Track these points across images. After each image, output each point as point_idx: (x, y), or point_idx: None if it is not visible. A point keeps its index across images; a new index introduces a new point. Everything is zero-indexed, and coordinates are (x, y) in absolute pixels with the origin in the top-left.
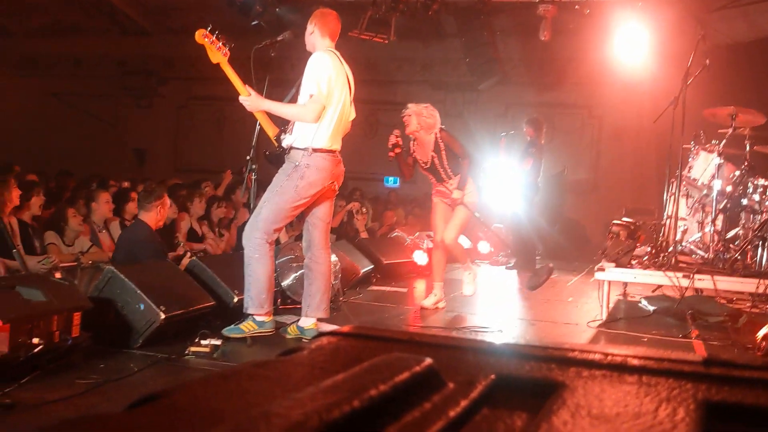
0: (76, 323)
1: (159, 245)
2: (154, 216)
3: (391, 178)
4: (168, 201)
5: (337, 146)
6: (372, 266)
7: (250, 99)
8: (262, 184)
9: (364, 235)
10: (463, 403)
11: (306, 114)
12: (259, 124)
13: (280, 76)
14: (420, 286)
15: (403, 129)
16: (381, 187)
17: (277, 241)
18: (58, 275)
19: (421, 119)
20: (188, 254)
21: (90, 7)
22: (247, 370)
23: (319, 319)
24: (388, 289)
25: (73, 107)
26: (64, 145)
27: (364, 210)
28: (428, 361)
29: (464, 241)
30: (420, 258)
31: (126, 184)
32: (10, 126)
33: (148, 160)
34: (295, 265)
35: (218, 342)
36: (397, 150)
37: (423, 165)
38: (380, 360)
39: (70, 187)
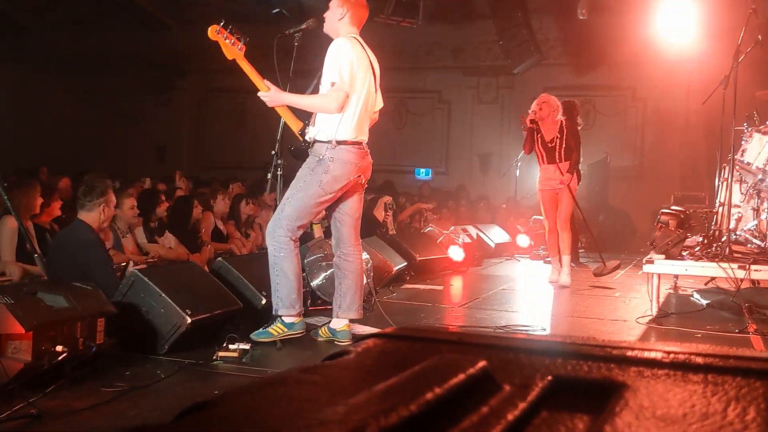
0: (100, 329)
1: (105, 251)
2: (97, 216)
3: (422, 170)
4: (113, 199)
5: (363, 137)
6: (405, 263)
7: (269, 94)
8: (289, 181)
9: (393, 232)
10: (522, 406)
11: (328, 103)
12: (283, 119)
13: (303, 66)
14: (456, 283)
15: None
16: (412, 180)
17: (304, 239)
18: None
19: (553, 105)
20: (131, 263)
21: (107, 1)
22: (294, 376)
23: (352, 321)
24: (422, 287)
25: (96, 105)
26: (87, 143)
27: (394, 205)
28: (482, 362)
29: (502, 235)
30: (455, 254)
31: (147, 184)
32: (32, 125)
33: (168, 157)
34: (324, 263)
35: (247, 346)
36: (533, 126)
37: (548, 143)
38: (433, 362)
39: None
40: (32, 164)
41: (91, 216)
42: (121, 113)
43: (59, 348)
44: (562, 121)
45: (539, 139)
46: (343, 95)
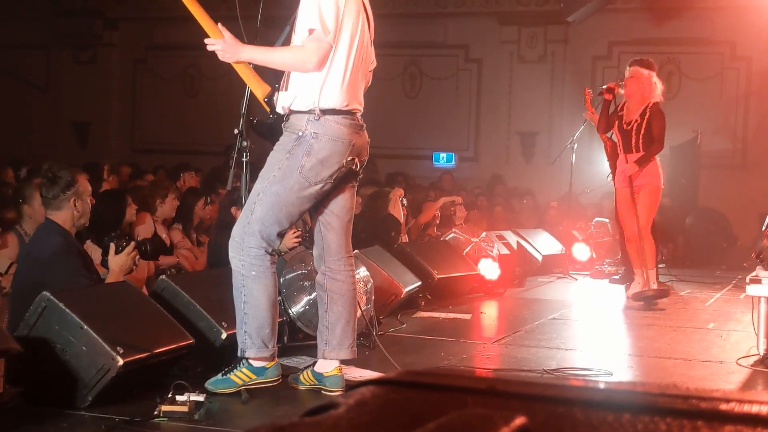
0: (0, 374)
1: (85, 256)
2: (70, 213)
3: (442, 155)
4: (88, 187)
5: (357, 105)
6: (419, 283)
7: (223, 43)
8: (258, 169)
9: (405, 238)
10: None
11: (304, 58)
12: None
13: (276, 12)
14: (489, 310)
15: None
16: (427, 168)
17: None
18: None
19: (643, 84)
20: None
21: None
22: None
23: (343, 362)
24: (443, 315)
25: None
26: None
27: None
28: (521, 419)
29: (553, 244)
30: (488, 270)
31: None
32: None
33: (92, 138)
34: (308, 283)
35: (200, 398)
36: (609, 97)
37: (625, 125)
38: (453, 419)
39: None
40: None
41: (62, 214)
42: (21, 77)
43: None
44: (648, 104)
45: (617, 120)
46: (325, 47)
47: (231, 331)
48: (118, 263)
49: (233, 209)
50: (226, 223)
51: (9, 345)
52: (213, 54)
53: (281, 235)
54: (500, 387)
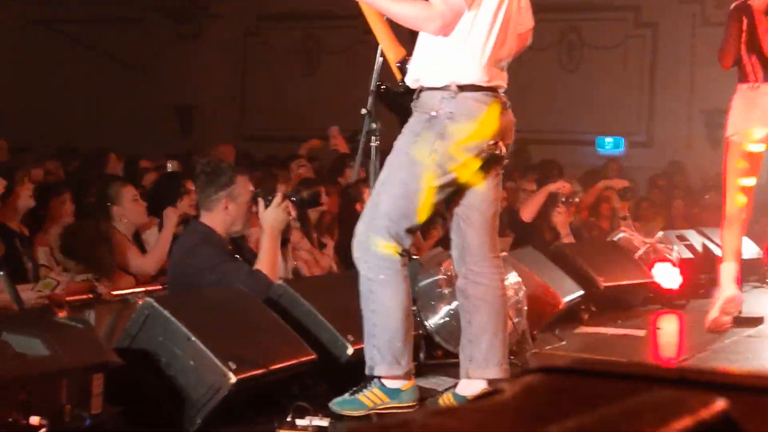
0: (97, 392)
1: (235, 265)
2: (221, 217)
3: (608, 139)
4: (245, 189)
5: (500, 81)
6: (581, 292)
7: None
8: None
9: (568, 238)
10: None
11: (427, 17)
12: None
13: None
14: (669, 325)
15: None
16: (589, 155)
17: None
18: (63, 313)
19: None
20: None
21: None
22: (420, 421)
23: (491, 382)
24: (610, 331)
25: (76, 43)
26: (62, 103)
27: (576, 198)
28: (722, 402)
29: (748, 246)
30: (666, 276)
31: (171, 165)
32: None
33: (196, 124)
34: (447, 291)
35: (324, 422)
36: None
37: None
38: (640, 402)
39: (72, 172)
40: None
41: (211, 216)
42: (118, 58)
43: (35, 420)
44: None
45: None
46: (455, 10)
47: (359, 346)
48: (269, 219)
49: (358, 204)
50: (349, 221)
51: (108, 358)
52: (335, 24)
53: (412, 231)
54: (692, 376)
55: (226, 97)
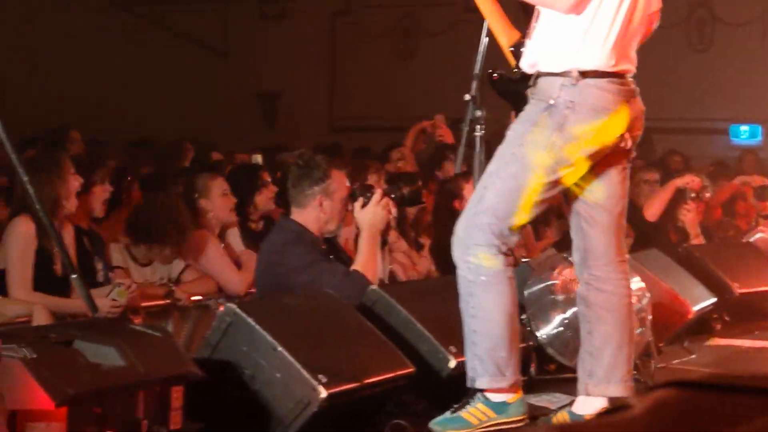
0: (177, 405)
1: (328, 267)
2: (314, 215)
3: (744, 128)
4: (340, 184)
5: (628, 65)
6: (713, 299)
7: None
8: (495, 148)
9: (698, 239)
10: None
11: None
12: (488, 27)
13: None
14: None
15: None
16: (723, 145)
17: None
18: (139, 320)
19: None
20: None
21: None
22: None
23: (612, 400)
24: (747, 343)
25: (152, 25)
26: (137, 91)
27: (707, 194)
28: None
29: None
30: None
31: (256, 156)
32: (49, 60)
33: (281, 114)
34: (561, 297)
35: None
36: None
37: None
38: None
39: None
40: (48, 123)
41: (304, 214)
42: (196, 40)
43: None
44: None
45: None
46: None
47: (462, 358)
48: (368, 217)
49: (456, 202)
50: (446, 219)
51: (188, 369)
52: (435, 2)
53: (518, 230)
54: None
55: (313, 84)
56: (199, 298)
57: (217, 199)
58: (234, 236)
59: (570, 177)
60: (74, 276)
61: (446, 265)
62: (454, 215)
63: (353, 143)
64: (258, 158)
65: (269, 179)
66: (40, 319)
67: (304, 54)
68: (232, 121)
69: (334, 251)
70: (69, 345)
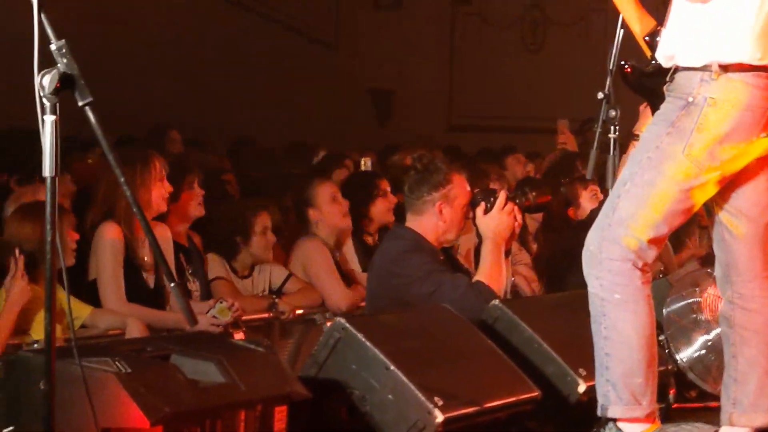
0: (280, 427)
1: (449, 279)
2: (432, 222)
3: None
4: (463, 193)
5: None
6: None
7: None
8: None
9: None
10: None
11: None
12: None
13: None
14: None
15: None
16: None
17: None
18: (240, 335)
19: None
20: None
21: None
22: None
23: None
24: None
25: (256, 16)
26: (240, 87)
27: None
28: None
29: None
30: None
31: (366, 160)
32: (148, 55)
33: (395, 112)
34: (704, 317)
35: None
36: None
37: None
38: None
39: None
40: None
41: (422, 221)
42: (303, 33)
43: None
44: None
45: None
46: None
47: (592, 382)
48: (491, 225)
49: (570, 210)
50: (558, 229)
51: (293, 388)
52: None
53: (657, 243)
54: None
55: (430, 80)
56: (304, 311)
57: (326, 207)
58: (350, 250)
59: (712, 183)
60: (173, 285)
61: (553, 280)
62: (566, 224)
63: (472, 144)
64: (367, 162)
65: (387, 188)
66: (135, 331)
67: (421, 47)
68: (342, 121)
69: (452, 262)
70: (166, 360)
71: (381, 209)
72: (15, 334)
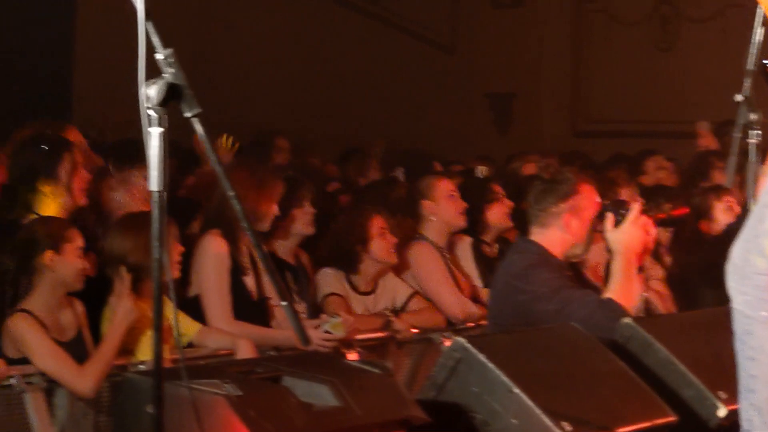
0: None
1: (583, 298)
2: (558, 235)
3: None
4: (589, 204)
5: None
6: None
7: None
8: None
9: None
10: None
11: None
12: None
13: None
14: None
15: None
16: None
17: None
18: (354, 356)
19: None
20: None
21: None
22: None
23: None
24: None
25: (368, 16)
26: (350, 92)
27: None
28: None
29: None
30: None
31: (482, 169)
32: (258, 59)
33: (516, 117)
34: None
35: None
36: None
37: None
38: None
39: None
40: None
41: (547, 234)
42: (416, 34)
43: None
44: None
45: None
46: None
47: (734, 406)
48: (623, 239)
49: (703, 222)
50: (689, 241)
51: (411, 412)
52: None
53: None
54: None
55: (554, 82)
56: (421, 330)
57: (442, 200)
58: (464, 249)
59: None
60: (284, 303)
61: (686, 297)
62: (698, 238)
63: (599, 150)
64: (483, 170)
65: (502, 192)
66: (244, 351)
67: (544, 47)
68: (459, 126)
69: (580, 278)
70: (277, 382)
71: (497, 214)
72: (120, 354)
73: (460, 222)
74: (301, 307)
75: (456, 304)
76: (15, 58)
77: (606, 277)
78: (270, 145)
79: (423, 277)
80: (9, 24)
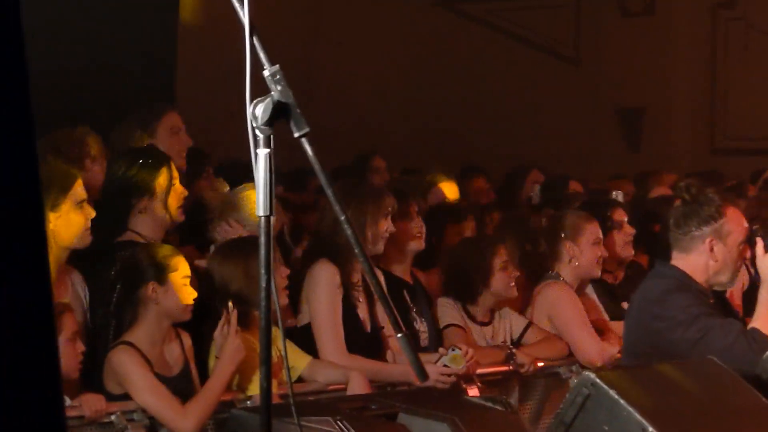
0: None
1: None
2: (703, 261)
3: None
4: (742, 222)
5: None
6: None
7: None
8: None
9: None
10: None
11: None
12: None
13: None
14: None
15: None
16: None
17: None
18: (475, 391)
19: None
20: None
21: None
22: None
23: None
24: None
25: (484, 26)
26: (466, 107)
27: None
28: None
29: None
30: None
31: (618, 193)
32: (366, 75)
33: (647, 133)
34: None
35: None
36: None
37: None
38: None
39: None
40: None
41: (690, 260)
42: (538, 45)
43: None
44: None
45: None
46: None
47: None
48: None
49: None
50: None
51: None
52: None
53: None
54: None
55: (689, 96)
56: (546, 363)
57: (586, 246)
58: (590, 295)
59: None
60: (400, 335)
61: None
62: None
63: (740, 169)
64: (619, 195)
65: (624, 218)
66: (357, 387)
67: (678, 58)
68: (586, 143)
69: (724, 307)
70: (392, 419)
71: (616, 243)
72: (227, 389)
73: (597, 272)
74: (422, 326)
75: (596, 352)
76: (116, 80)
77: (744, 306)
78: (367, 166)
79: (562, 319)
80: (111, 43)
